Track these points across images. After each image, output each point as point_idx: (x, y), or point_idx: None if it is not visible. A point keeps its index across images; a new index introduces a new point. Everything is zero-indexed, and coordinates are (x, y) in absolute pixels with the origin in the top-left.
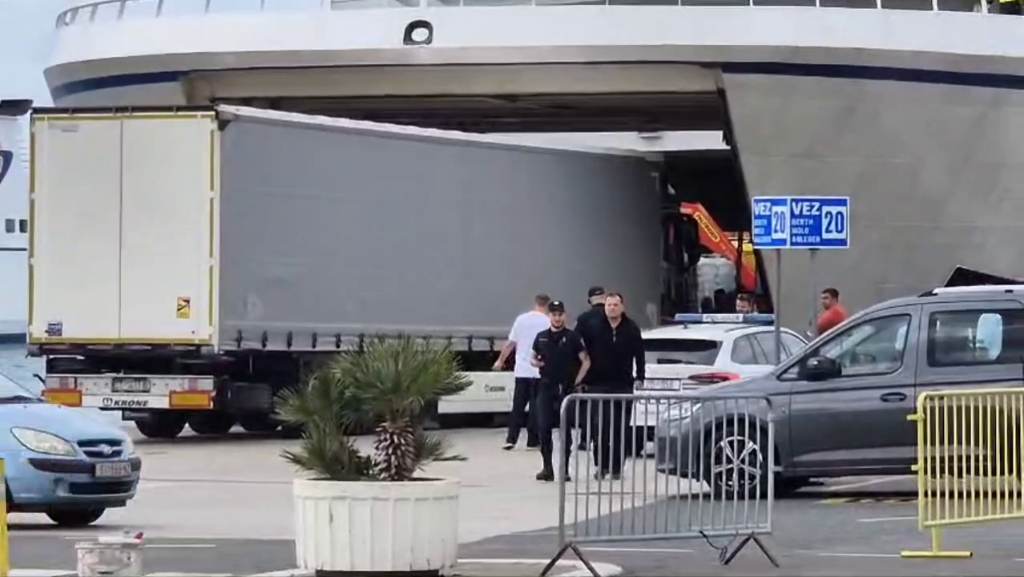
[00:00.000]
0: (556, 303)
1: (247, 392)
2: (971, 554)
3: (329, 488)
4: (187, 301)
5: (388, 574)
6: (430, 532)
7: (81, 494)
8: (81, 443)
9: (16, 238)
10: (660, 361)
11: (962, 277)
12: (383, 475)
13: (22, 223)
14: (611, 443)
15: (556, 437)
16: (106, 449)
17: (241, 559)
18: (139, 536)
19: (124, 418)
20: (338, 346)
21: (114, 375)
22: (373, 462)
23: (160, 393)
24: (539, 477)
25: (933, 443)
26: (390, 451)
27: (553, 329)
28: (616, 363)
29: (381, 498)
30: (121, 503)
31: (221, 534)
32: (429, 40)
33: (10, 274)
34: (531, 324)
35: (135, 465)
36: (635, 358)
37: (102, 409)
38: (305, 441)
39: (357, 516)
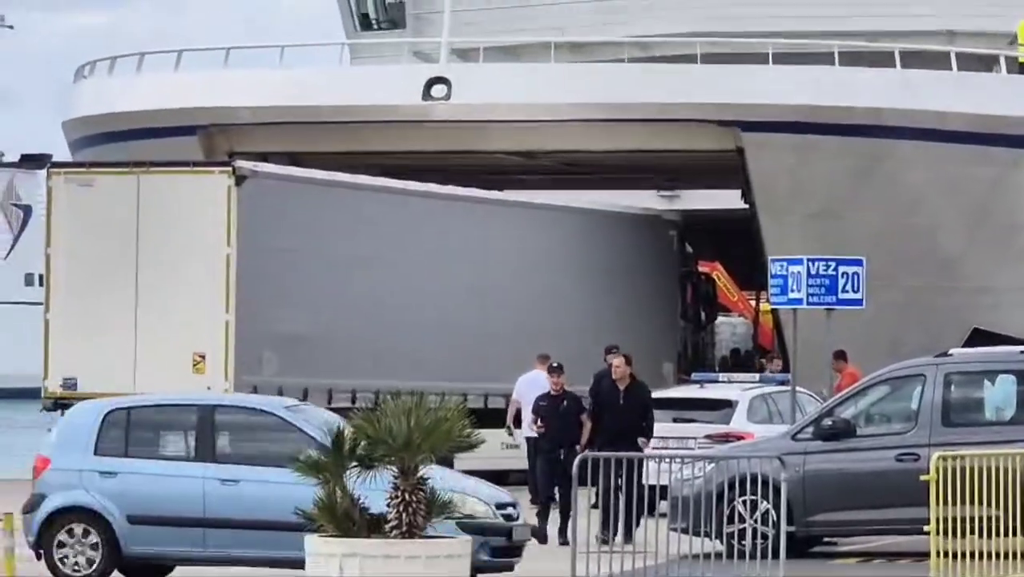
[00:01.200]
0: (555, 365)
1: None
2: None
3: (340, 545)
4: (203, 356)
5: None
6: None
7: (498, 557)
8: (498, 505)
9: (35, 292)
10: (675, 420)
11: (978, 337)
12: (394, 532)
13: (40, 277)
14: (621, 504)
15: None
16: (512, 512)
17: None
18: None
19: None
20: (353, 402)
21: None
22: (384, 519)
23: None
24: (533, 534)
25: (946, 503)
26: (401, 508)
27: (553, 392)
28: (625, 425)
29: (392, 556)
30: (510, 568)
31: None
32: (448, 96)
33: (29, 328)
34: (532, 383)
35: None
36: (644, 420)
37: None
38: (316, 497)
39: (368, 573)
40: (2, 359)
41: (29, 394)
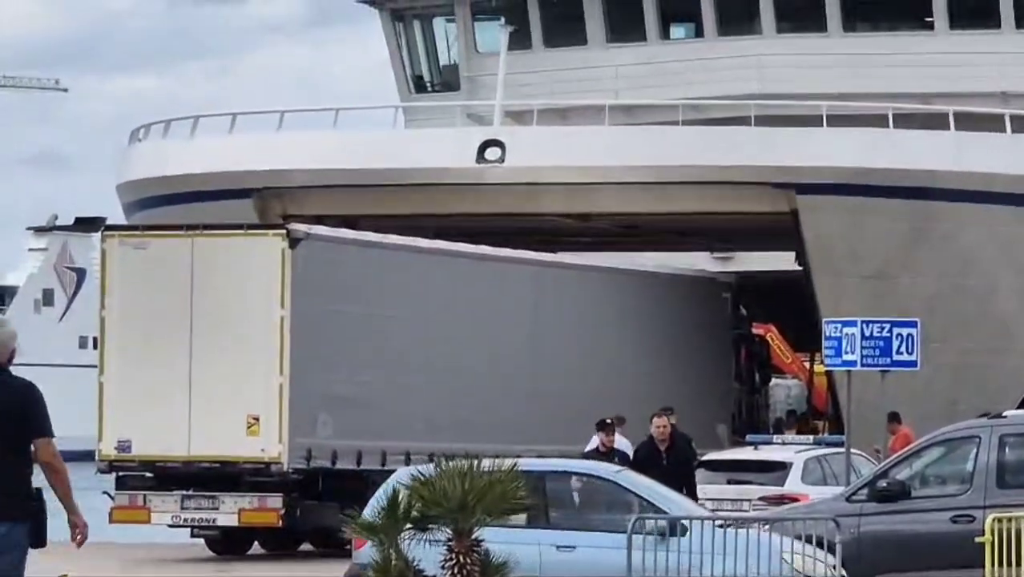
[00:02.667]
0: (608, 421)
1: (316, 510)
2: None
3: None
4: (256, 419)
5: None
6: None
7: None
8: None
9: (89, 355)
10: (730, 482)
11: None
12: None
13: (95, 340)
14: None
15: None
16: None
17: None
18: None
19: (192, 536)
20: (407, 465)
21: (183, 493)
22: None
23: (229, 511)
24: None
25: (1001, 565)
26: (455, 570)
27: (601, 449)
28: (669, 487)
29: None
30: None
31: None
32: (502, 159)
33: (83, 391)
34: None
35: None
36: (686, 482)
37: (170, 527)
38: (371, 560)
39: None
40: (57, 422)
41: (83, 457)
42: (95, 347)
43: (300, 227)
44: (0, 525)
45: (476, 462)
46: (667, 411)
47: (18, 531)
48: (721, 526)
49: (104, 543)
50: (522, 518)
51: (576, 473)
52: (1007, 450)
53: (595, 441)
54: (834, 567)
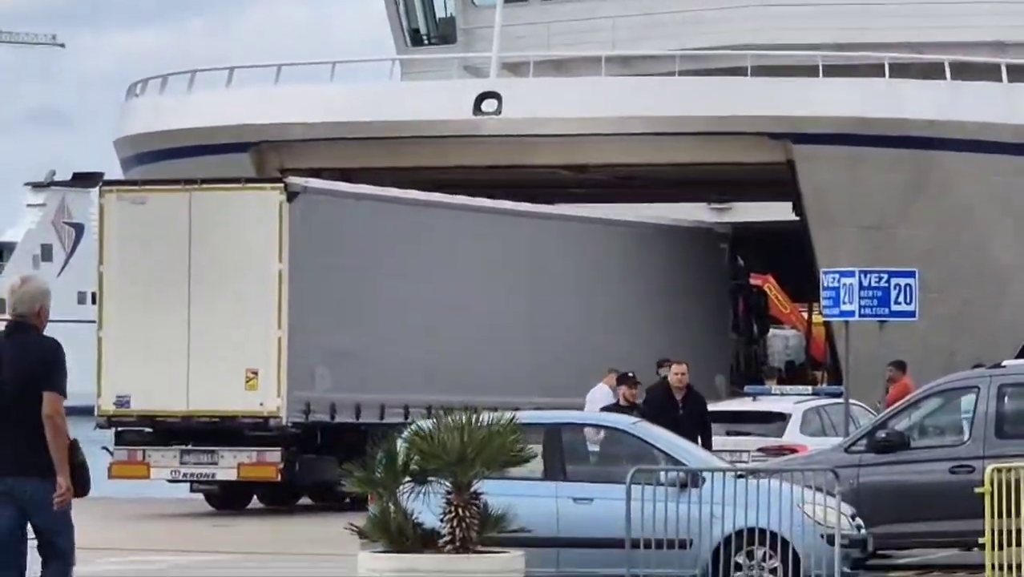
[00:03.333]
0: (630, 375)
1: (315, 464)
2: None
3: (393, 561)
4: (255, 373)
5: None
6: None
7: (855, 569)
8: (852, 516)
9: (88, 310)
10: (728, 433)
11: None
12: (448, 547)
13: (93, 295)
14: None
15: None
16: (861, 522)
17: None
18: None
19: (191, 490)
20: (406, 418)
21: (182, 448)
22: (438, 534)
23: (228, 466)
24: None
25: (1001, 516)
26: (455, 524)
27: (622, 403)
28: (683, 437)
29: (446, 571)
30: None
31: None
32: (498, 111)
33: (81, 346)
34: (596, 399)
35: None
36: (702, 431)
37: (169, 482)
38: (370, 513)
39: None
40: None
41: (83, 412)
42: (94, 302)
43: (298, 180)
44: (29, 482)
45: (475, 415)
46: (666, 363)
47: (48, 487)
48: (741, 476)
49: (103, 498)
50: (539, 471)
51: (593, 425)
52: (1006, 400)
53: (600, 391)
54: (852, 517)
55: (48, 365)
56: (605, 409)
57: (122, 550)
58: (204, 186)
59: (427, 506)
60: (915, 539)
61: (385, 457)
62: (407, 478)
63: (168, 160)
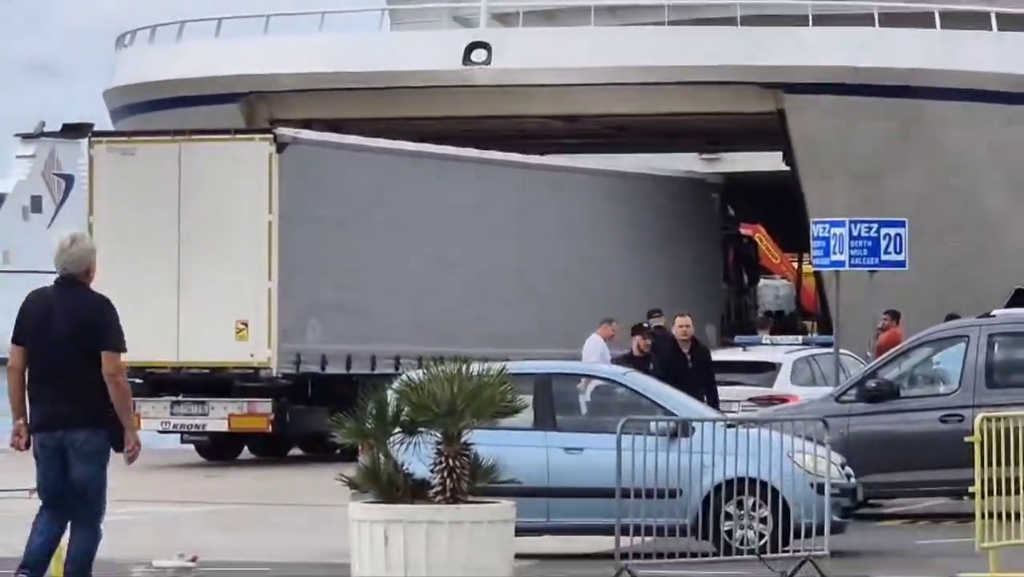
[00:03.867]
0: (646, 324)
1: (305, 415)
2: None
3: (384, 511)
4: (246, 324)
5: None
6: (485, 555)
7: (844, 518)
8: (842, 465)
9: None
10: (719, 383)
11: (1021, 298)
12: (438, 498)
13: None
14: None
15: None
16: (850, 471)
17: None
18: (194, 559)
19: (182, 441)
20: (397, 369)
21: (173, 399)
22: (428, 485)
23: (219, 417)
24: None
25: (991, 465)
26: (445, 474)
27: (636, 352)
28: (693, 390)
29: (436, 521)
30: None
31: (277, 558)
32: (488, 61)
33: None
34: (591, 349)
35: None
36: (708, 384)
37: (160, 433)
38: (360, 464)
39: (412, 539)
40: None
41: None
42: None
43: (287, 131)
44: (79, 432)
45: (465, 366)
46: (656, 313)
47: (97, 439)
48: (731, 425)
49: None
50: (529, 421)
51: (583, 375)
52: (996, 349)
53: (595, 341)
54: (843, 466)
55: (101, 323)
56: (618, 361)
57: (112, 500)
58: (194, 137)
59: (417, 457)
60: (905, 488)
61: (375, 408)
62: (397, 429)
63: (157, 111)
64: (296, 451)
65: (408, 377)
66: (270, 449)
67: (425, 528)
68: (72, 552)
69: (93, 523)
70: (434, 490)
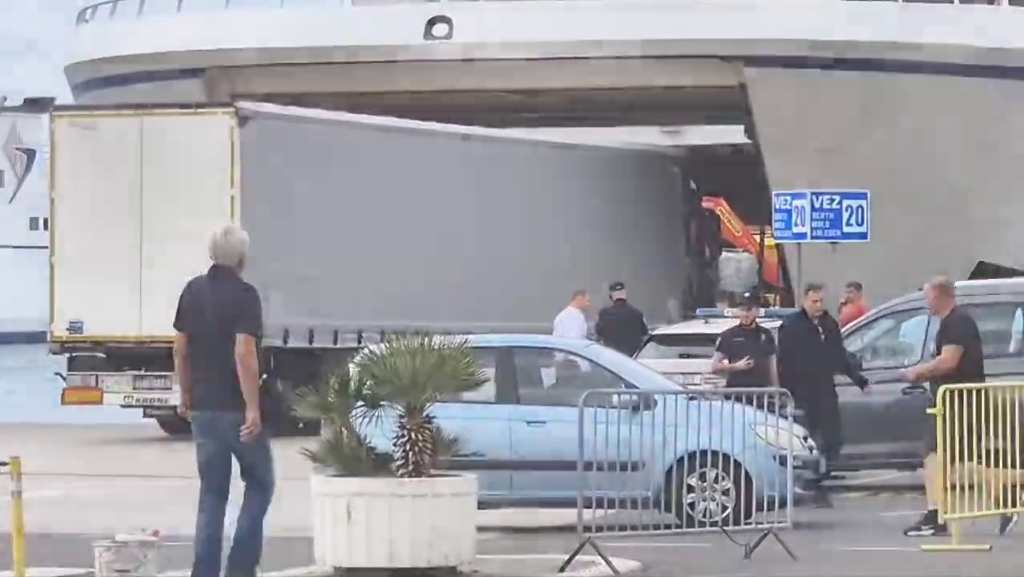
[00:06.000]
0: (747, 295)
1: (268, 389)
2: (990, 547)
3: (347, 485)
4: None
5: (406, 571)
6: (448, 528)
7: (807, 490)
8: (804, 437)
9: (39, 236)
10: (681, 356)
11: (984, 270)
12: (401, 471)
13: (45, 221)
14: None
15: None
16: (812, 444)
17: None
18: (156, 533)
19: (144, 416)
20: (359, 343)
21: (135, 373)
22: (391, 458)
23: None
24: None
25: (952, 436)
26: (407, 448)
27: (744, 325)
28: (829, 365)
29: (399, 494)
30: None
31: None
32: (449, 35)
33: (34, 272)
34: (565, 321)
35: None
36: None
37: (123, 407)
38: (323, 438)
39: (375, 512)
40: (8, 304)
41: (36, 339)
42: (46, 228)
43: (249, 105)
44: (227, 413)
45: (427, 339)
46: (618, 286)
47: (242, 420)
48: (693, 398)
49: (56, 425)
50: (492, 394)
51: (544, 348)
52: None
53: (569, 314)
54: (805, 438)
55: (243, 308)
56: (733, 335)
57: (74, 475)
58: (155, 111)
59: (380, 430)
60: (867, 460)
61: (337, 382)
62: (359, 403)
63: (119, 86)
64: None
65: (370, 350)
66: None
67: (388, 501)
68: (240, 527)
69: (266, 489)
70: (397, 464)
